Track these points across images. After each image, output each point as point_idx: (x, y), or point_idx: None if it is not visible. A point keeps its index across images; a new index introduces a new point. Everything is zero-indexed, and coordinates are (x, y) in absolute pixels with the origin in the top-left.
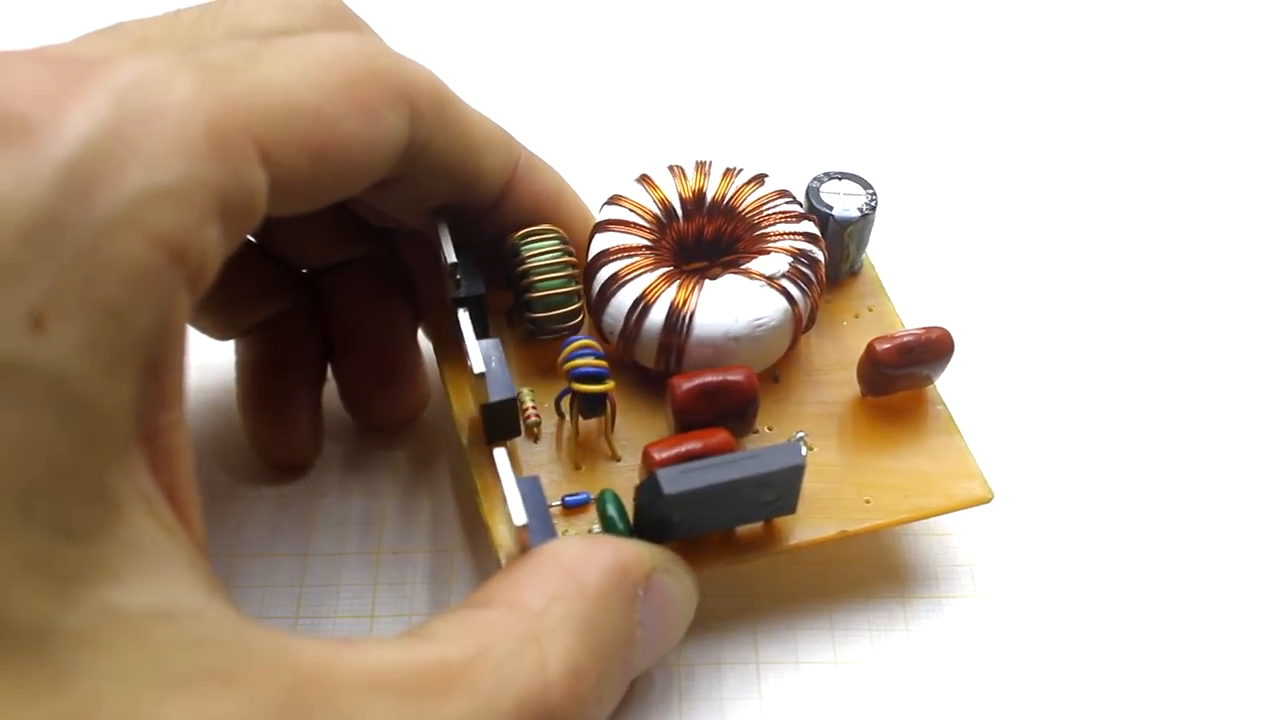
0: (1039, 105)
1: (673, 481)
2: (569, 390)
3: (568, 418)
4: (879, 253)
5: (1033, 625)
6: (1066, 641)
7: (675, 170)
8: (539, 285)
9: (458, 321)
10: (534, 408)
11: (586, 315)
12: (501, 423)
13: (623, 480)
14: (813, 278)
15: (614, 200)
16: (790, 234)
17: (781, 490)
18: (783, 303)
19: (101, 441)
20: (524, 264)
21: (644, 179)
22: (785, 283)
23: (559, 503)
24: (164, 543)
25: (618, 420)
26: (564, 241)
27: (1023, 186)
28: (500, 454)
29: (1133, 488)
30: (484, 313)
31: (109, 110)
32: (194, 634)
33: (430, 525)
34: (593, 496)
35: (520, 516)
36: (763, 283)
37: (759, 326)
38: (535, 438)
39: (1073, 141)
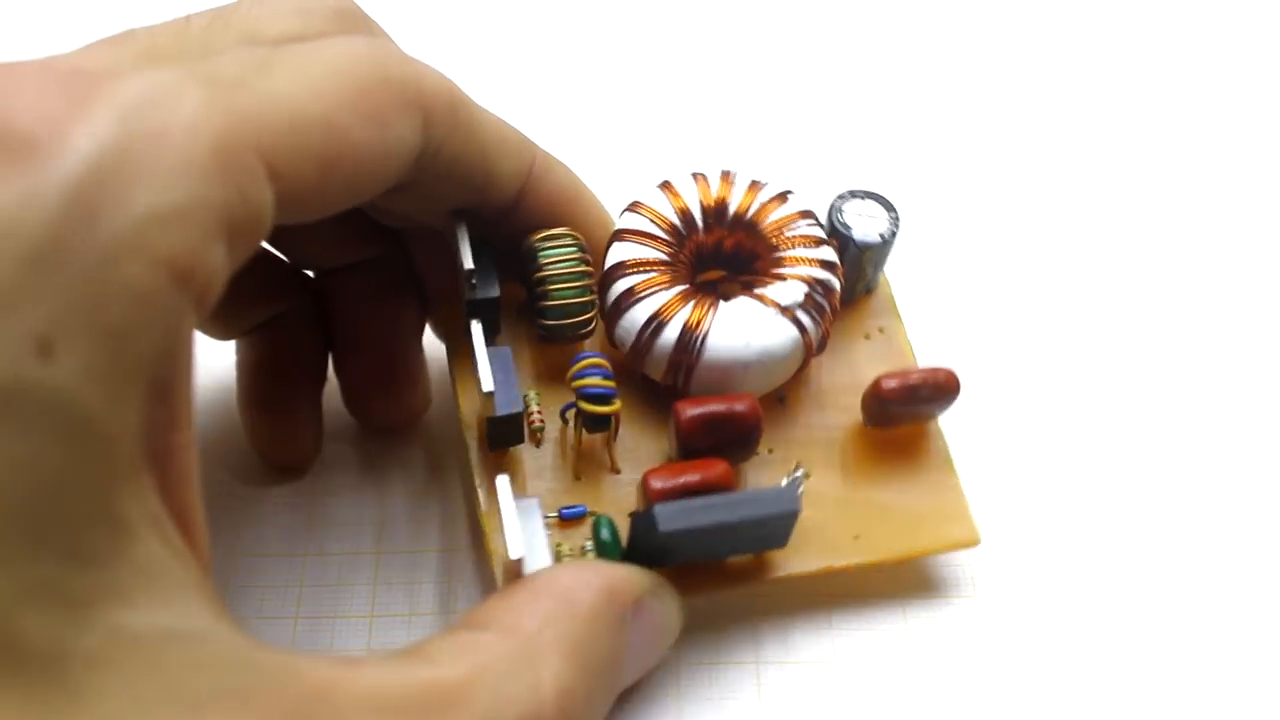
0: (1090, 150)
1: (669, 520)
2: (575, 404)
3: (571, 426)
4: (898, 270)
5: (1032, 625)
6: (1066, 642)
7: (699, 178)
8: (554, 294)
9: (469, 327)
10: (539, 412)
11: (600, 319)
12: (506, 433)
13: (621, 493)
14: (826, 307)
15: (633, 207)
16: (808, 260)
17: (775, 530)
18: (794, 332)
19: (109, 465)
20: (540, 271)
21: (666, 185)
22: (799, 313)
23: (556, 514)
24: (171, 565)
25: (621, 428)
26: (581, 249)
27: (1056, 227)
28: (503, 482)
29: (1132, 492)
30: (497, 314)
31: (115, 129)
32: (205, 655)
33: (432, 525)
34: (589, 510)
35: (517, 550)
36: (776, 311)
37: (769, 355)
38: (538, 443)
39: (1117, 193)
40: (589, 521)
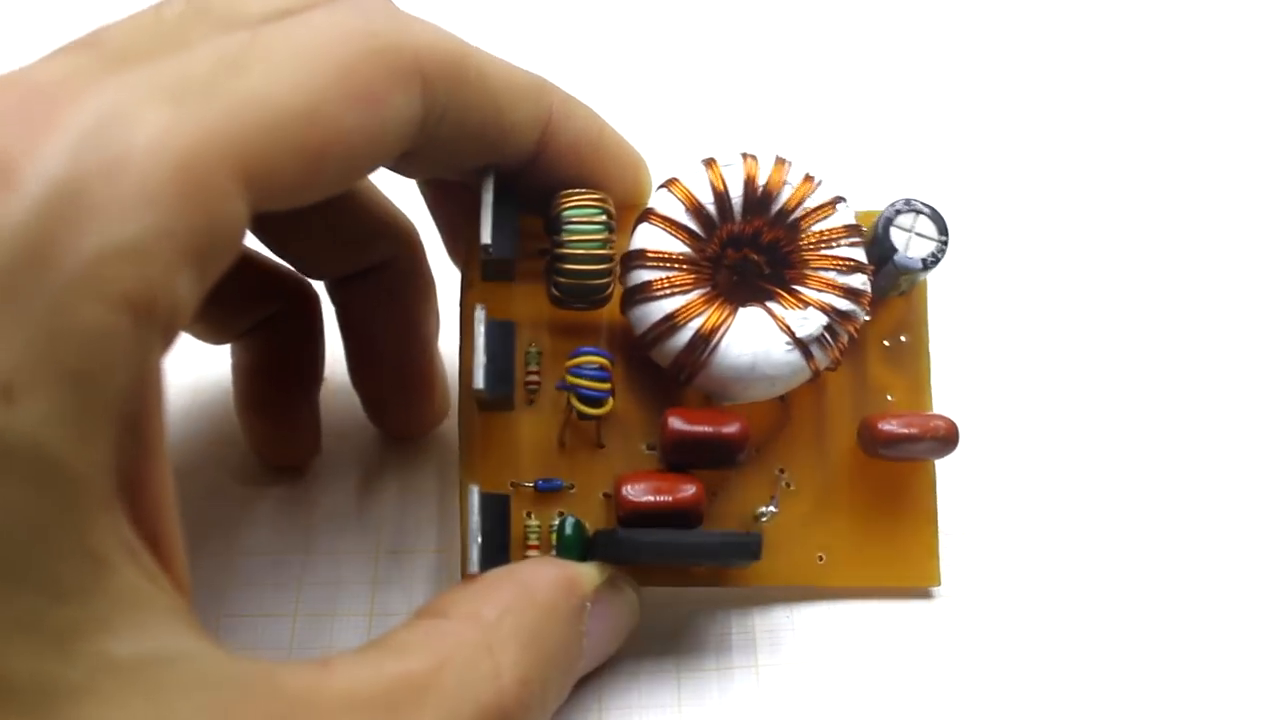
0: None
1: (631, 548)
2: (568, 388)
3: (565, 400)
4: (941, 280)
5: (1003, 629)
6: (1043, 648)
7: (748, 158)
8: (570, 274)
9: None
10: (538, 373)
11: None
12: (495, 403)
13: (600, 466)
14: (843, 335)
15: (669, 184)
16: (836, 286)
17: (736, 561)
18: (802, 363)
19: (82, 503)
20: (562, 247)
21: (709, 163)
22: (812, 346)
23: (533, 485)
24: (149, 591)
25: (614, 400)
26: (609, 226)
27: (1117, 281)
28: (473, 491)
29: (1108, 509)
30: (512, 271)
31: (69, 160)
32: (188, 675)
33: (430, 525)
34: (566, 484)
35: (474, 566)
36: (789, 341)
37: (772, 380)
38: (531, 401)
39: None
40: (561, 496)
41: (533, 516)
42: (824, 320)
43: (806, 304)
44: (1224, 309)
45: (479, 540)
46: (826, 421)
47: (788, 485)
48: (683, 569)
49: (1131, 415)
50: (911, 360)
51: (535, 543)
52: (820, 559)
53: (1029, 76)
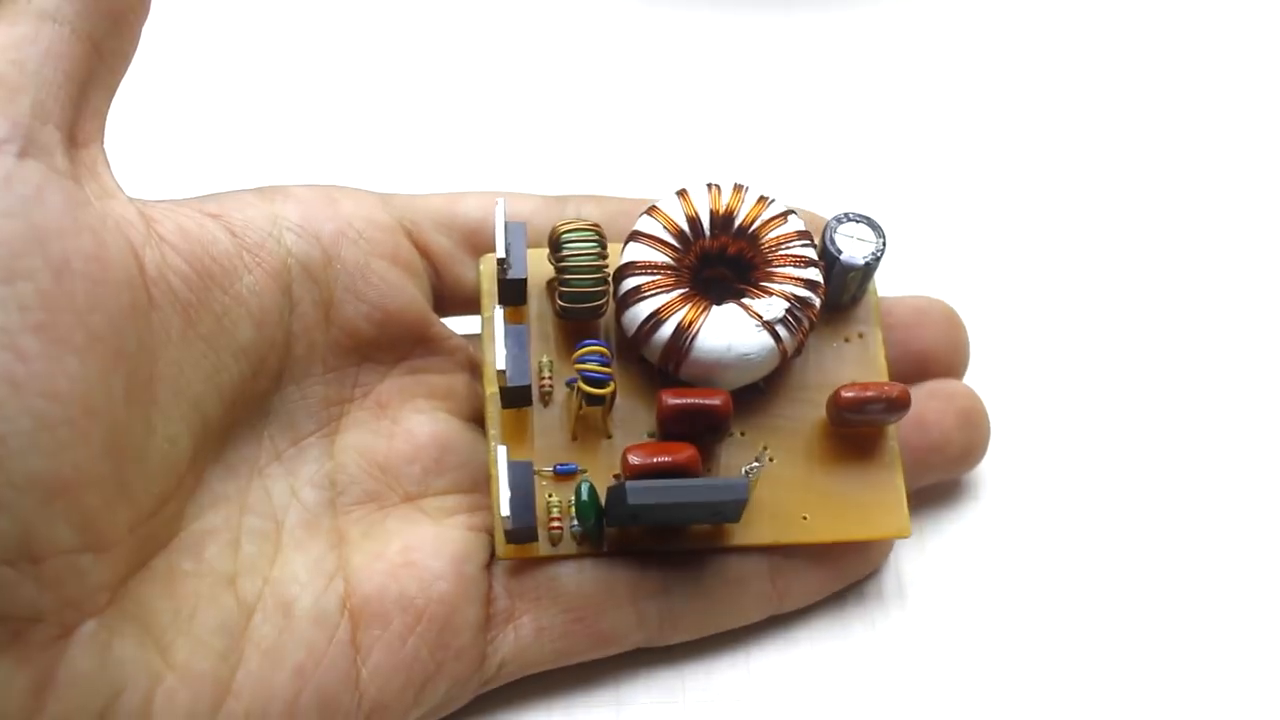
0: (1081, 192)
1: (636, 494)
2: (576, 381)
3: (574, 395)
4: (889, 281)
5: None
6: (993, 645)
7: (712, 188)
8: (571, 284)
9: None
10: (549, 378)
11: (613, 301)
12: (516, 397)
13: (609, 454)
14: (804, 320)
15: (651, 211)
16: (794, 279)
17: (727, 509)
18: (771, 342)
19: None
20: (563, 261)
21: (682, 193)
22: (778, 326)
23: (552, 469)
24: None
25: (617, 398)
26: (601, 245)
27: (1035, 259)
28: (501, 451)
29: (1077, 509)
30: (525, 289)
31: None
32: None
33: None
34: (580, 468)
35: (506, 509)
36: (758, 324)
37: (746, 360)
38: (546, 403)
39: (1097, 239)
40: (577, 478)
41: (553, 495)
42: (785, 305)
43: (771, 294)
44: (1169, 306)
45: (507, 486)
46: (800, 405)
47: (771, 460)
48: (684, 533)
49: (1121, 412)
50: (869, 352)
51: (557, 514)
52: (804, 519)
53: (945, 103)
